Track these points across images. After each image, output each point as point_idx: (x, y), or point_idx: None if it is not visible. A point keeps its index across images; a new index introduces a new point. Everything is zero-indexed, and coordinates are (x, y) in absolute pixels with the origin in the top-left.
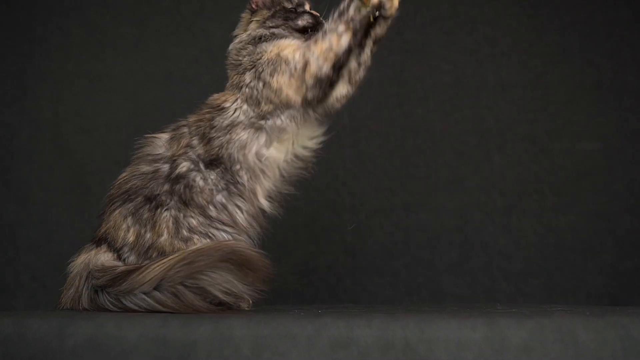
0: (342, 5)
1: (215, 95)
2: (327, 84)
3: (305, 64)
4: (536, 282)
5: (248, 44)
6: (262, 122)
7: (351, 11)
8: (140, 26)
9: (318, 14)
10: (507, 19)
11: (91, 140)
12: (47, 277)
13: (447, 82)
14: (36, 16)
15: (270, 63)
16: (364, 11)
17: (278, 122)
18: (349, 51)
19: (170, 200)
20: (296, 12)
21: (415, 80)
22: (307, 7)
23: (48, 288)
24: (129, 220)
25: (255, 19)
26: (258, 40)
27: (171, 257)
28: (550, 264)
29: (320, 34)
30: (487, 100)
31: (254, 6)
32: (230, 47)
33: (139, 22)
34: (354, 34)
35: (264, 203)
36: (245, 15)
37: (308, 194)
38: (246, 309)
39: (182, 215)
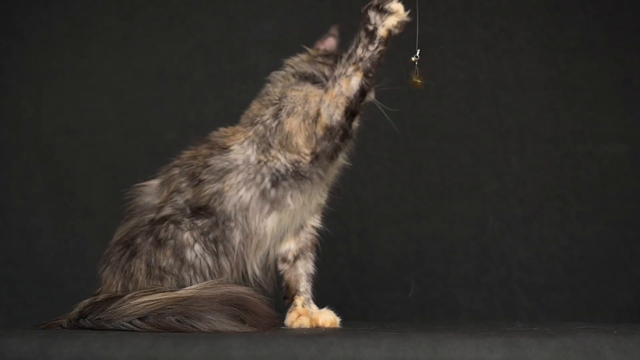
0: (350, 48)
1: (224, 130)
2: (339, 134)
3: (317, 115)
4: (560, 298)
5: (293, 75)
6: (265, 180)
7: (359, 51)
8: (128, 19)
9: None
10: (526, 11)
11: (75, 142)
12: (26, 292)
13: (461, 80)
14: (16, 8)
15: (291, 101)
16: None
17: (282, 187)
18: (361, 94)
19: (146, 243)
20: None
21: (427, 77)
22: None
23: (28, 304)
24: (117, 275)
25: (310, 51)
26: (303, 76)
27: (164, 293)
28: (574, 278)
29: (330, 82)
30: (506, 99)
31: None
32: (273, 73)
33: (127, 14)
34: (365, 74)
35: (255, 270)
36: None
37: None
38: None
39: (152, 258)
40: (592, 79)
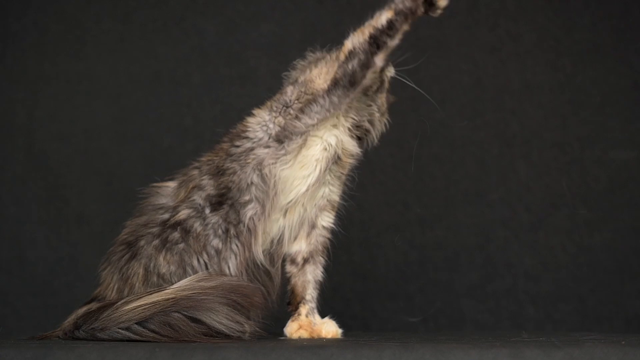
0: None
1: (248, 119)
2: (359, 57)
3: (342, 52)
4: (567, 307)
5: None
6: (284, 141)
7: (397, 1)
8: (124, 22)
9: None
10: (532, 14)
11: (69, 148)
12: (19, 301)
13: (466, 84)
14: (9, 10)
15: (316, 62)
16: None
17: (298, 140)
18: (389, 27)
19: (149, 246)
20: None
21: (431, 81)
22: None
23: (21, 314)
24: (115, 277)
25: None
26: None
27: (158, 294)
28: (582, 287)
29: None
30: (511, 103)
31: None
32: (296, 60)
33: (123, 17)
34: (396, 13)
35: (260, 254)
36: None
37: None
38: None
39: (152, 263)
40: (599, 82)
